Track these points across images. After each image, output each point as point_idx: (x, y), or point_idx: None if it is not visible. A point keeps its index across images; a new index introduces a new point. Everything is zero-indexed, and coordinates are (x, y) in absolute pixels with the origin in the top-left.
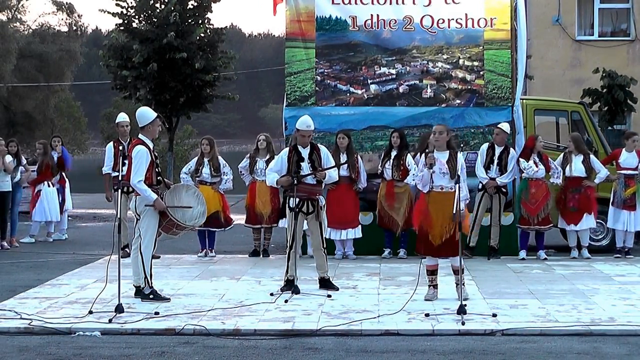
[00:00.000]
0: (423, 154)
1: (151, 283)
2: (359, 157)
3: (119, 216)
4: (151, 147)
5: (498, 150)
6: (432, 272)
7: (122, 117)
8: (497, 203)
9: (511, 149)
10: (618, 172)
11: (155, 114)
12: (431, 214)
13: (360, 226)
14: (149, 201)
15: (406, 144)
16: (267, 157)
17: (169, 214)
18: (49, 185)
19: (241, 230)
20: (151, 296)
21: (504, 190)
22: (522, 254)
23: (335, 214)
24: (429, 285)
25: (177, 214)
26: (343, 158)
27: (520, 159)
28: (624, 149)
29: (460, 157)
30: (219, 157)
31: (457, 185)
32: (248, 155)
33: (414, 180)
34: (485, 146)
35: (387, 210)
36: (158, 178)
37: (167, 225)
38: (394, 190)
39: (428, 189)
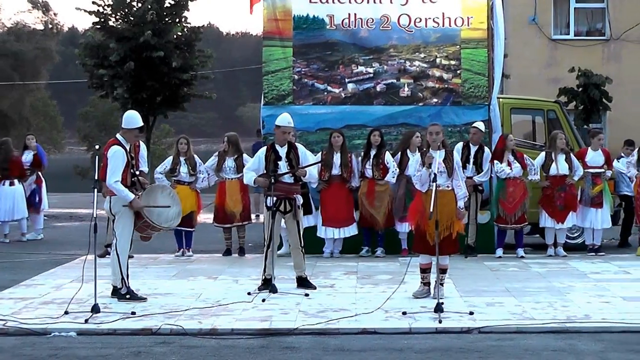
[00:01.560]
0: (420, 154)
1: (128, 283)
2: (352, 156)
3: (94, 215)
4: (127, 148)
5: (473, 149)
6: (425, 270)
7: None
8: (474, 202)
9: (486, 147)
10: (585, 170)
11: (137, 126)
12: (429, 213)
13: (355, 224)
14: (126, 201)
15: (384, 142)
16: (235, 156)
17: (144, 215)
18: (11, 184)
19: (218, 229)
20: (128, 296)
21: (480, 188)
22: (499, 252)
23: (331, 213)
24: (421, 282)
25: (152, 216)
26: (337, 157)
27: (495, 161)
28: (589, 148)
29: (456, 155)
30: (195, 156)
31: (435, 183)
32: (216, 154)
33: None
34: (459, 145)
35: (368, 208)
36: (133, 179)
37: (142, 226)
38: (375, 188)
39: (427, 188)
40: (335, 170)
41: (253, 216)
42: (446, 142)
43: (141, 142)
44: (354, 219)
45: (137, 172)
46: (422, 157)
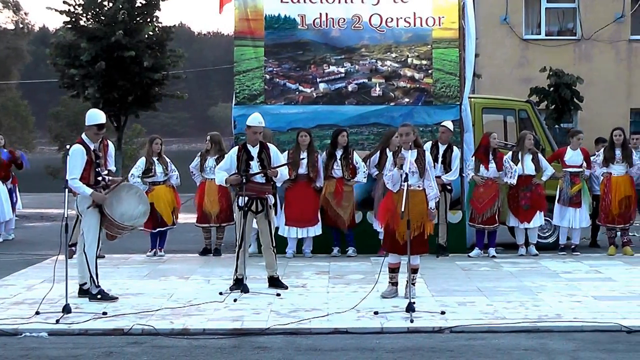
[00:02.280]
0: (392, 154)
1: (97, 283)
2: (319, 156)
3: (65, 216)
4: (91, 148)
5: (442, 148)
6: (394, 269)
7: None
8: (443, 201)
9: (455, 147)
10: (564, 169)
11: (95, 122)
12: (399, 212)
13: (320, 223)
14: (86, 195)
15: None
16: (217, 155)
17: (106, 212)
18: None
19: (191, 229)
20: (99, 296)
21: (449, 188)
22: (476, 252)
23: (295, 213)
24: (389, 282)
25: (115, 214)
26: (304, 156)
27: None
28: (569, 147)
29: (428, 155)
30: (164, 156)
31: (406, 183)
32: (199, 153)
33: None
34: (428, 145)
35: (335, 208)
36: (98, 178)
37: (107, 224)
38: (343, 188)
39: (398, 188)
40: (302, 170)
41: None
42: (419, 141)
43: (109, 142)
44: (318, 219)
45: (105, 172)
46: (394, 157)
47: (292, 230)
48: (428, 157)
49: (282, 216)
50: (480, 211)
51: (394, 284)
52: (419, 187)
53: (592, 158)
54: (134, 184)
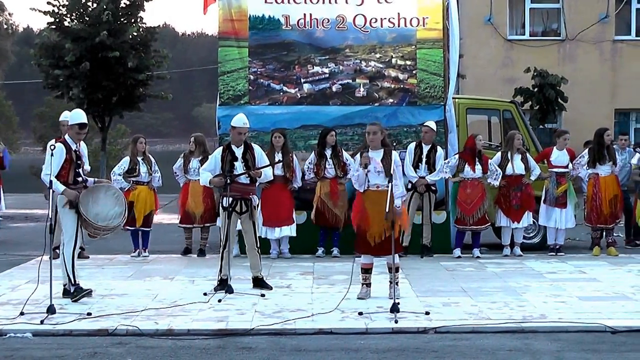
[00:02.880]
0: (359, 154)
1: (74, 281)
2: (294, 157)
3: (50, 216)
4: (72, 148)
5: (426, 148)
6: (367, 270)
7: (64, 116)
8: (428, 201)
9: (439, 147)
10: (550, 170)
11: (77, 122)
12: (368, 213)
13: (295, 224)
14: (58, 192)
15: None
16: (201, 156)
17: (81, 211)
18: None
19: (175, 229)
20: (75, 293)
21: (433, 188)
22: (457, 252)
23: (270, 213)
24: (363, 284)
25: (89, 214)
26: (278, 157)
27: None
28: (555, 147)
29: (395, 154)
30: (149, 156)
31: (391, 183)
32: (182, 154)
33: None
34: (412, 145)
35: (332, 208)
36: (77, 178)
37: (84, 223)
38: (338, 187)
39: (364, 189)
40: (278, 171)
41: None
42: (387, 141)
43: (82, 142)
44: (293, 220)
45: (86, 172)
46: (360, 157)
47: (270, 231)
48: (395, 156)
49: (260, 217)
50: (469, 212)
51: (368, 285)
52: (386, 187)
53: (576, 159)
54: (112, 185)
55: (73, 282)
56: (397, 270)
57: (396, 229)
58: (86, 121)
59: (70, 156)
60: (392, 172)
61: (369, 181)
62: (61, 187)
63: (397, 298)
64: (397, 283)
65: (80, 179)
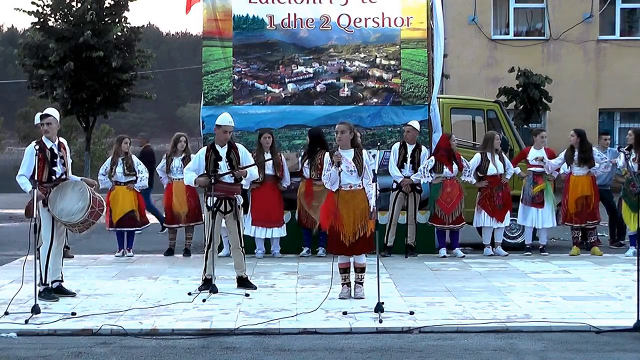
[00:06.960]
0: (329, 153)
1: (45, 280)
2: (282, 156)
3: (34, 216)
4: (48, 146)
5: (410, 148)
6: (345, 270)
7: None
8: (412, 201)
9: (423, 146)
10: (528, 169)
11: (39, 120)
12: (341, 213)
13: (285, 225)
14: (26, 191)
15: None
16: (183, 155)
17: (48, 207)
18: None
19: (159, 229)
20: (42, 294)
21: (418, 188)
22: (443, 252)
23: (261, 213)
24: (342, 284)
25: (55, 209)
26: (268, 157)
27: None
28: (532, 147)
29: (366, 154)
30: (133, 156)
31: (375, 183)
32: (165, 155)
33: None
34: (396, 145)
35: (307, 209)
36: (52, 176)
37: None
38: (312, 188)
39: (337, 188)
40: (269, 170)
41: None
42: (358, 141)
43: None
44: (283, 221)
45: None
46: (331, 156)
47: (259, 231)
48: (365, 156)
49: (249, 216)
50: (448, 211)
51: (348, 284)
52: (359, 186)
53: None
54: (80, 181)
55: (43, 282)
56: (363, 270)
57: (369, 228)
58: (46, 112)
59: (44, 155)
60: (363, 170)
61: (341, 181)
62: (28, 187)
63: (361, 298)
64: (361, 282)
65: (55, 177)
